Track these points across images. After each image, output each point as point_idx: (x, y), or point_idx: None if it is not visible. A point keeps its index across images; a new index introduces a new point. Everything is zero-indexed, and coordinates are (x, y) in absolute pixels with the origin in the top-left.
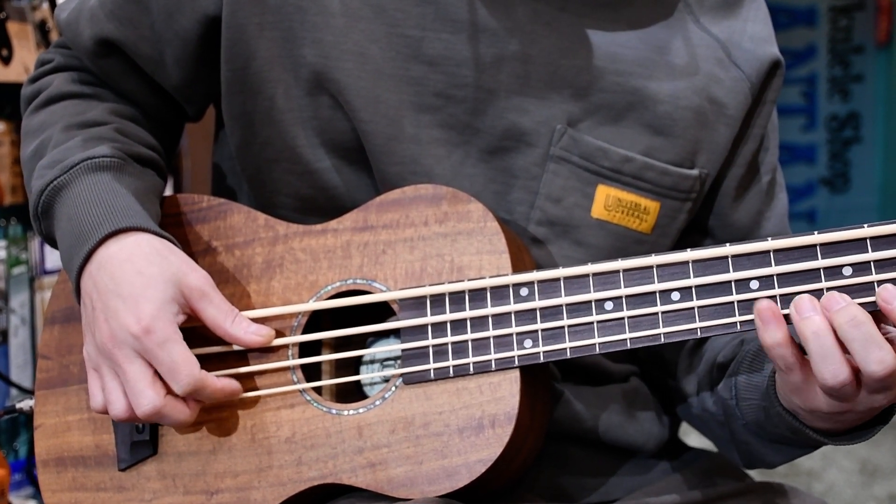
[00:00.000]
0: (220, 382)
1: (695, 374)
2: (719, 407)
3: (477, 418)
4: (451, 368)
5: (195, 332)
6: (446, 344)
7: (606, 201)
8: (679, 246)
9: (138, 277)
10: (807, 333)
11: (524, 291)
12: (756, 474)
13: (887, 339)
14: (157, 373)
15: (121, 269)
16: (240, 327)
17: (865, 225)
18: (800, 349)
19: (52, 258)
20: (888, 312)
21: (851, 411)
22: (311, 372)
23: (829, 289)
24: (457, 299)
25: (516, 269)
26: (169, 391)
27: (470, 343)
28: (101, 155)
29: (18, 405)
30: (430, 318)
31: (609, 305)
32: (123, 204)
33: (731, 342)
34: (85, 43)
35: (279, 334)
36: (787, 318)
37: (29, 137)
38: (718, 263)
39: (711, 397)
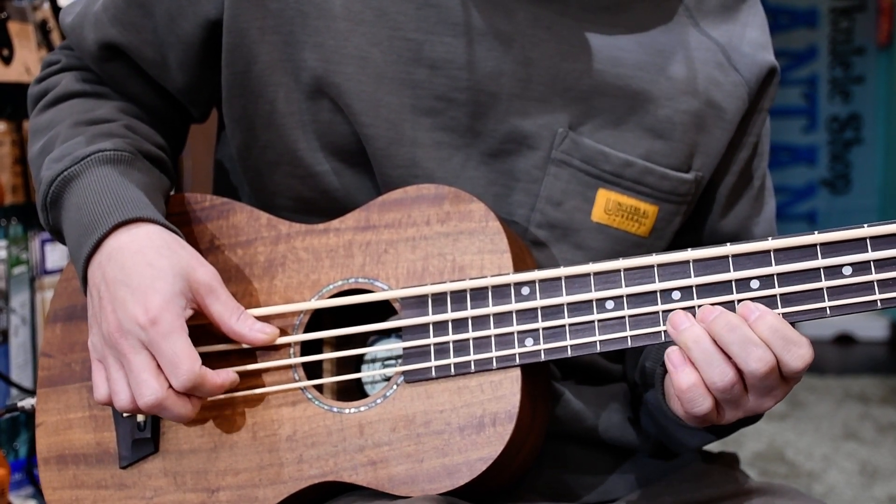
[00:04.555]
0: (219, 379)
1: (633, 363)
2: (637, 393)
3: (478, 416)
4: (452, 367)
5: (200, 329)
6: (447, 342)
7: (607, 205)
8: (672, 248)
9: (148, 269)
10: (688, 343)
11: (525, 290)
12: (756, 475)
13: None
14: (160, 365)
15: (132, 260)
16: (244, 324)
17: (865, 225)
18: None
19: (53, 258)
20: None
21: (743, 417)
22: (313, 372)
23: (829, 288)
24: (458, 298)
25: (518, 268)
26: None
27: (471, 341)
28: (112, 148)
29: (20, 403)
30: (431, 317)
31: (610, 304)
32: (133, 196)
33: None
34: (89, 47)
35: (281, 333)
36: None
37: (37, 135)
38: (719, 263)
39: (635, 386)
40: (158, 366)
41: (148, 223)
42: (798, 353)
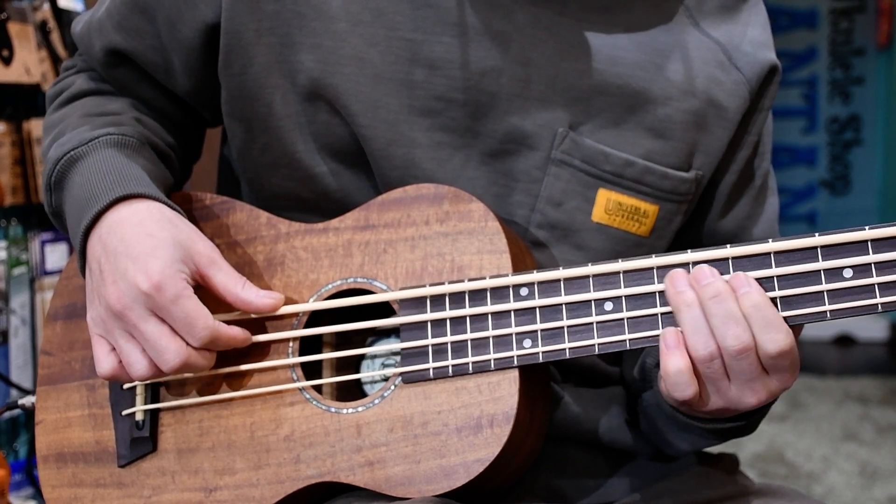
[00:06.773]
0: (233, 330)
1: (631, 362)
2: (636, 391)
3: (475, 418)
4: (450, 368)
5: None
6: (445, 343)
7: (607, 205)
8: (673, 248)
9: (148, 239)
10: (680, 305)
11: (524, 291)
12: (755, 476)
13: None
14: (171, 327)
15: (132, 232)
16: (251, 292)
17: (866, 227)
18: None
19: (53, 259)
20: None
21: (727, 409)
22: (312, 372)
23: (829, 291)
24: (456, 299)
25: (517, 269)
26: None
27: (469, 342)
28: (120, 133)
29: (21, 401)
30: (429, 316)
31: (609, 306)
32: (136, 174)
33: None
34: (97, 54)
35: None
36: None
37: (49, 130)
38: (718, 265)
39: (633, 383)
40: (171, 328)
41: (149, 199)
42: (775, 338)
